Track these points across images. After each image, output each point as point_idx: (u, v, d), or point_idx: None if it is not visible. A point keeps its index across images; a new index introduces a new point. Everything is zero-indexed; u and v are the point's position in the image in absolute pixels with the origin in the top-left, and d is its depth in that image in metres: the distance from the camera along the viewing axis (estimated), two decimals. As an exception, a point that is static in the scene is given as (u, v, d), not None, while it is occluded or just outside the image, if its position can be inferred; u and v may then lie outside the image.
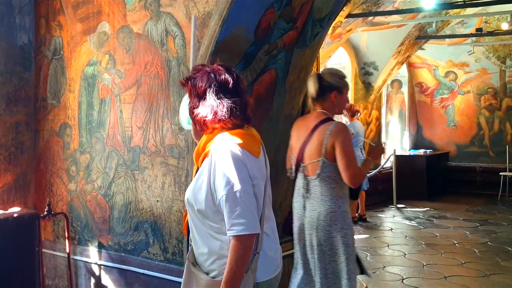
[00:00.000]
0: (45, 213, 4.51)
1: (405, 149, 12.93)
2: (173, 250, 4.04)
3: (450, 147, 13.07)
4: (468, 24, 11.72)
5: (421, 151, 12.52)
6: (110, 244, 4.43)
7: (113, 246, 4.41)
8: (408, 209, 10.55)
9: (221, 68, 2.49)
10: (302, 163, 3.77)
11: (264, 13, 3.72)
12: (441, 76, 13.12)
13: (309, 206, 3.75)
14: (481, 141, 12.81)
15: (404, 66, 12.56)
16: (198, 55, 3.78)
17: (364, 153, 9.42)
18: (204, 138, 2.49)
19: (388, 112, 12.89)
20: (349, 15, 8.58)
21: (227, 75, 2.46)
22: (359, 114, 9.47)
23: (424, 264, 6.66)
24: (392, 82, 12.81)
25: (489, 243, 7.85)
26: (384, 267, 6.57)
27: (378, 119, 11.99)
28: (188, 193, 2.46)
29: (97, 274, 4.54)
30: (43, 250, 4.62)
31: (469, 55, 12.58)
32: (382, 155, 3.48)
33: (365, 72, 11.17)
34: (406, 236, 8.28)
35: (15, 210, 4.43)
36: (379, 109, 12.08)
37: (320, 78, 3.73)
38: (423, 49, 12.23)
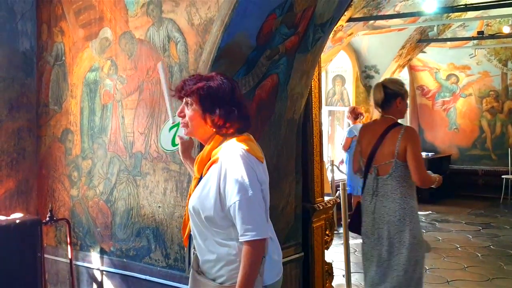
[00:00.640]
0: (47, 219, 4.51)
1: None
2: (175, 256, 4.04)
3: (452, 150, 13.07)
4: (470, 27, 11.72)
5: (423, 154, 12.49)
6: (112, 250, 4.43)
7: (115, 252, 4.41)
8: (410, 212, 10.52)
9: (217, 76, 2.55)
10: (373, 164, 4.19)
11: (266, 19, 3.72)
12: (443, 79, 13.13)
13: (379, 203, 4.15)
14: (483, 144, 12.81)
15: (406, 69, 12.57)
16: (200, 61, 3.78)
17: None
18: (207, 146, 2.53)
19: (389, 115, 12.87)
20: (350, 19, 8.59)
21: (224, 82, 2.52)
22: (362, 116, 9.50)
23: (427, 268, 6.65)
24: (394, 85, 12.80)
25: (491, 246, 7.84)
26: (386, 271, 6.56)
27: (380, 122, 11.98)
28: (194, 201, 2.48)
29: (99, 280, 4.54)
30: (45, 255, 4.62)
31: (470, 58, 12.59)
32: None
33: (366, 75, 11.18)
34: (409, 240, 8.26)
35: (17, 216, 4.42)
36: (380, 112, 12.08)
37: (384, 86, 4.22)
38: (425, 52, 12.24)
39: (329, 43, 8.72)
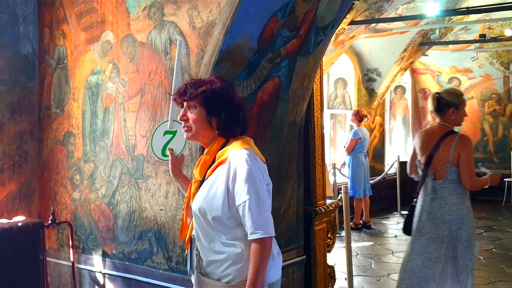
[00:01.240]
0: (49, 222, 4.51)
1: (409, 155, 12.87)
2: (177, 259, 4.04)
3: (454, 153, 13.04)
4: (472, 30, 11.72)
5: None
6: (114, 253, 4.43)
7: (117, 255, 4.41)
8: (412, 215, 10.50)
9: (217, 79, 2.62)
10: (431, 169, 4.52)
11: (267, 21, 3.73)
12: (445, 82, 13.11)
13: (438, 205, 4.49)
14: (485, 147, 12.80)
15: (408, 72, 12.57)
16: (202, 64, 3.79)
17: (368, 159, 9.43)
18: (210, 148, 2.59)
19: (391, 118, 12.89)
20: (352, 22, 8.59)
21: (225, 85, 2.60)
22: (367, 119, 9.51)
23: (429, 271, 6.63)
24: (396, 88, 12.81)
25: (494, 249, 7.83)
26: (388, 274, 6.56)
27: (382, 125, 12.00)
28: (199, 203, 2.52)
29: (101, 282, 4.54)
30: (47, 258, 4.62)
31: (472, 61, 12.59)
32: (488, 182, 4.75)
33: (368, 78, 11.18)
34: (411, 243, 8.24)
35: (19, 219, 4.43)
36: (382, 116, 12.09)
37: (438, 96, 4.55)
38: (427, 55, 12.23)
39: (331, 46, 8.72)
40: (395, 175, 11.00)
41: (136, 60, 4.22)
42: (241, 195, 2.40)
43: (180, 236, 2.81)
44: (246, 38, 3.73)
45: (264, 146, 4.00)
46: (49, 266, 4.74)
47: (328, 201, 5.01)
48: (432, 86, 13.18)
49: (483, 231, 9.17)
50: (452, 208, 4.47)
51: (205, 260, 2.57)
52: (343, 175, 9.58)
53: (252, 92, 3.94)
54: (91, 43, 4.53)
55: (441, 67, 13.00)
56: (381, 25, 9.65)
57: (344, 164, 9.61)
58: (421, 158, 4.65)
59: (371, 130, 11.36)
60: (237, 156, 2.45)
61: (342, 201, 5.64)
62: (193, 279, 2.69)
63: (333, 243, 5.15)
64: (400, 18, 9.25)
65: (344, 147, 9.34)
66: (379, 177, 10.35)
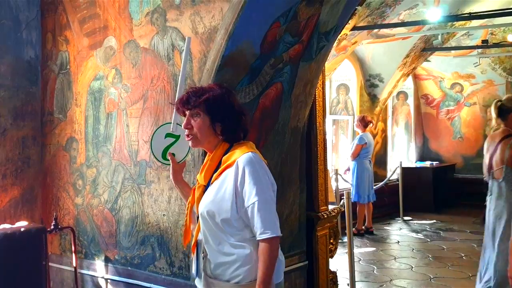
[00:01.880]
0: (52, 227, 4.52)
1: (411, 161, 12.89)
2: (180, 264, 4.03)
3: (456, 159, 13.03)
4: (474, 36, 11.69)
5: (427, 163, 12.47)
6: (117, 258, 4.43)
7: (120, 260, 4.41)
8: (414, 221, 10.50)
9: (217, 86, 2.69)
10: (491, 169, 4.92)
11: (270, 27, 3.73)
12: (447, 88, 13.10)
13: (497, 202, 4.86)
14: (487, 153, 12.75)
15: (410, 78, 12.55)
16: (205, 69, 3.79)
17: (372, 165, 9.42)
18: (215, 154, 2.64)
19: (394, 124, 12.87)
20: (355, 28, 8.59)
21: (226, 92, 2.66)
22: (371, 125, 9.53)
23: (431, 277, 6.63)
24: (398, 94, 12.79)
25: None
26: (391, 280, 6.55)
27: (384, 131, 11.98)
28: (207, 206, 2.57)
29: (104, 288, 4.54)
30: (50, 264, 4.62)
31: (475, 66, 12.57)
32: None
33: (370, 84, 11.17)
34: (413, 249, 8.25)
35: (22, 224, 4.43)
36: (385, 121, 12.07)
37: (500, 104, 4.94)
38: (429, 61, 12.21)
39: (333, 51, 8.72)
40: (398, 181, 10.98)
41: (138, 65, 4.23)
42: (250, 197, 2.47)
43: (184, 241, 2.83)
44: (249, 44, 3.74)
45: (266, 152, 4.00)
46: (52, 272, 4.74)
47: (331, 207, 5.00)
48: (435, 92, 13.17)
49: None
50: (508, 205, 4.75)
51: (213, 263, 2.60)
52: (346, 181, 9.57)
53: (254, 97, 3.95)
54: (93, 48, 4.54)
55: (443, 73, 12.98)
56: (384, 31, 9.65)
57: (348, 169, 9.59)
58: (486, 160, 5.04)
59: (373, 136, 11.35)
60: (245, 159, 2.51)
61: (344, 207, 5.63)
62: (197, 282, 2.71)
63: (336, 248, 5.14)
64: (403, 24, 9.24)
65: (351, 151, 9.32)
66: (381, 183, 10.34)
